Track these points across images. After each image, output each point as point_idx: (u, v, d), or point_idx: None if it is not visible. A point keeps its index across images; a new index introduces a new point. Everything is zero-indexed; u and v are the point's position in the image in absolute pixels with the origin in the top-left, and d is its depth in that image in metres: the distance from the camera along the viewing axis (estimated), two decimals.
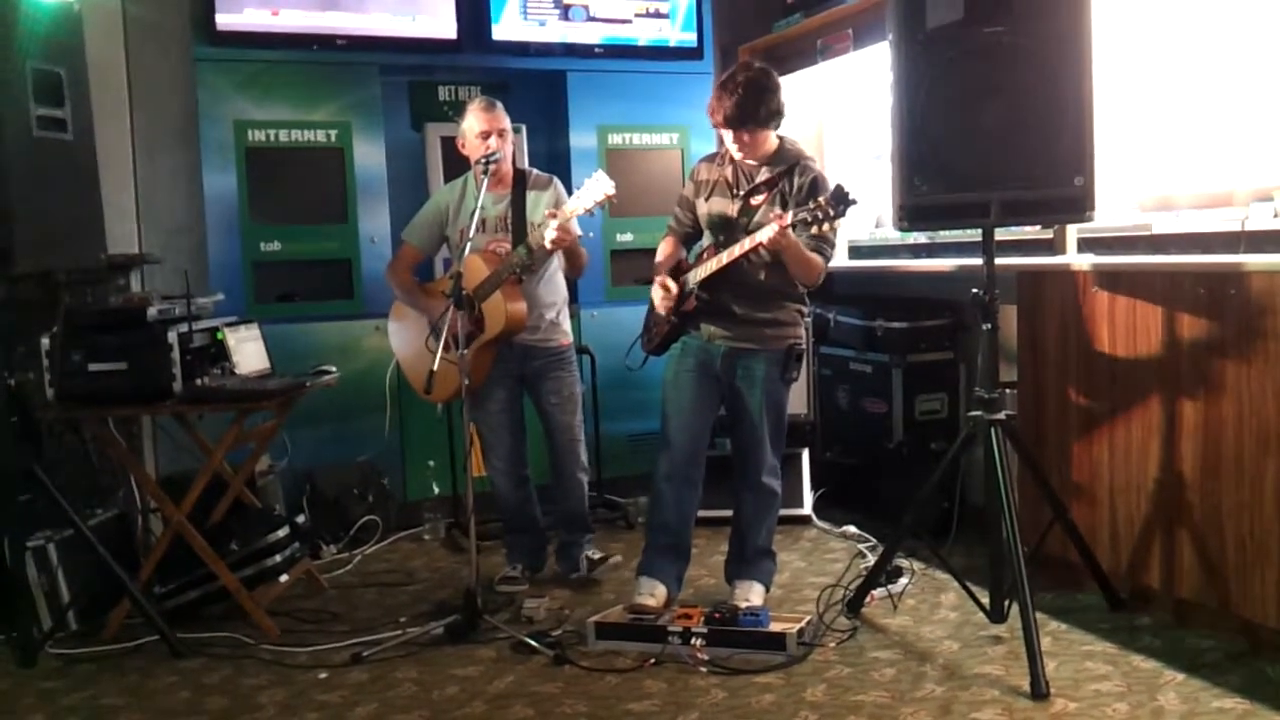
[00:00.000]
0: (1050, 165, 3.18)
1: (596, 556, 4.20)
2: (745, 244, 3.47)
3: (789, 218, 3.33)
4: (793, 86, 5.60)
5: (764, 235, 3.37)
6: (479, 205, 3.81)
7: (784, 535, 4.46)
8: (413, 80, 5.37)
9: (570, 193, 3.98)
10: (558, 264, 4.17)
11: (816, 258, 3.51)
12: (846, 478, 5.07)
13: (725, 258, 3.54)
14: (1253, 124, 3.63)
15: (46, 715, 3.20)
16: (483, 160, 3.88)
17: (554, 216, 3.79)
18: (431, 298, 4.10)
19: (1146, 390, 3.51)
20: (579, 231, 3.99)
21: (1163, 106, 3.94)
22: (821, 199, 3.32)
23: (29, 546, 3.74)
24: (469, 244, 3.77)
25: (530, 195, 4.10)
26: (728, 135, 3.59)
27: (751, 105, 3.49)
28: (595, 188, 3.75)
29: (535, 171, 4.23)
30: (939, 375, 4.75)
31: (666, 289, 3.69)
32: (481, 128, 4.02)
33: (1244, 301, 3.16)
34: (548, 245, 3.82)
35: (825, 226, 3.38)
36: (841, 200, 3.28)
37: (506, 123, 4.08)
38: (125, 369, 3.64)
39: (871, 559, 4.10)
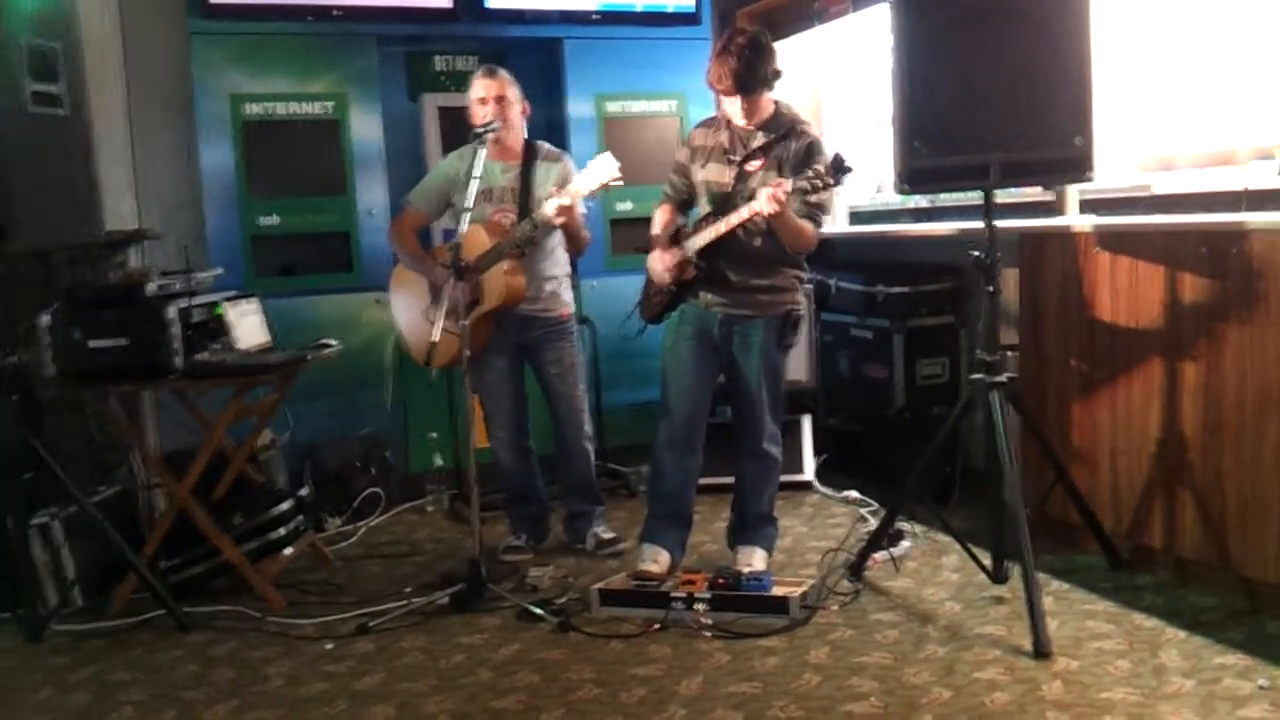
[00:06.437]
0: (1050, 126, 3.16)
1: (607, 536, 4.18)
2: (743, 212, 3.44)
3: (788, 185, 3.30)
4: (790, 51, 5.57)
5: (761, 203, 3.34)
6: (479, 174, 3.74)
7: (786, 501, 4.47)
8: (409, 51, 5.33)
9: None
10: (560, 239, 4.15)
11: (809, 225, 3.50)
12: (848, 443, 5.07)
13: (723, 226, 3.51)
14: (1253, 82, 3.60)
15: (54, 691, 3.22)
16: (480, 130, 3.84)
17: (560, 193, 3.79)
18: (435, 263, 4.09)
19: (1148, 350, 3.50)
20: (584, 209, 3.97)
21: (1162, 66, 3.91)
22: (820, 166, 3.30)
23: (33, 524, 3.75)
24: (470, 214, 3.73)
25: (540, 167, 4.07)
26: (734, 102, 3.54)
27: (757, 67, 3.45)
28: (601, 170, 3.72)
29: (546, 145, 4.19)
30: (940, 340, 4.74)
31: (666, 262, 3.68)
32: (479, 94, 3.99)
33: (1245, 260, 3.15)
34: (552, 219, 3.82)
35: (823, 194, 3.37)
36: (840, 169, 3.27)
37: (509, 89, 4.03)
38: (125, 345, 3.63)
39: (873, 523, 4.10)
